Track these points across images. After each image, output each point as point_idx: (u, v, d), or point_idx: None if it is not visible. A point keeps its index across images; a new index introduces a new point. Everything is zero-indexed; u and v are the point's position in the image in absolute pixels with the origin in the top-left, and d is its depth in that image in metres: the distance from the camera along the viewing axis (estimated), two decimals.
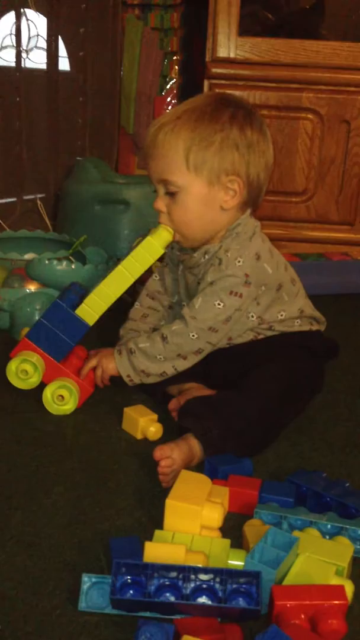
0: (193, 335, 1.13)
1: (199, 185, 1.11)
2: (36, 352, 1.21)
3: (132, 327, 1.29)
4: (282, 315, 1.19)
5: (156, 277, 1.32)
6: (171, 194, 1.13)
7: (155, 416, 1.14)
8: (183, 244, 1.19)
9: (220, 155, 1.10)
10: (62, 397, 1.19)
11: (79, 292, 1.25)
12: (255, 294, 1.14)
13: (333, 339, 1.35)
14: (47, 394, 1.19)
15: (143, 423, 1.13)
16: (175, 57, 2.62)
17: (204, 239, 1.16)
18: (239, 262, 1.12)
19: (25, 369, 1.20)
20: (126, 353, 1.17)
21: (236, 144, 1.10)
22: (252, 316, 1.17)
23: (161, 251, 1.17)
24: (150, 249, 1.16)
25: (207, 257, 1.16)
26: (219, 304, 1.12)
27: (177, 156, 1.10)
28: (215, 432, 1.04)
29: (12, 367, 1.21)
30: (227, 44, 2.14)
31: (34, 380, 1.21)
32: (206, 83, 2.19)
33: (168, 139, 1.10)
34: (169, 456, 0.99)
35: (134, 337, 1.20)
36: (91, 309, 1.19)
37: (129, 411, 1.16)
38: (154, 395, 1.23)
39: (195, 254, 1.18)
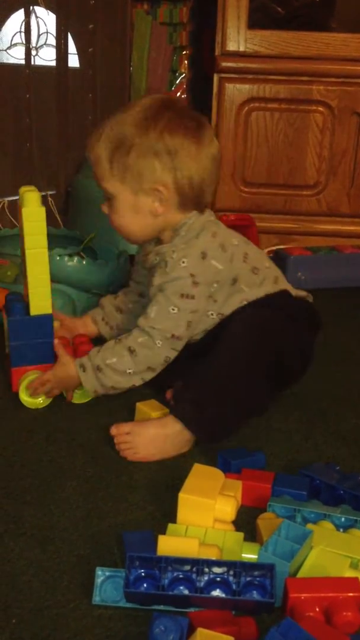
0: (159, 343, 1.10)
1: (125, 193, 1.12)
2: (32, 370, 1.20)
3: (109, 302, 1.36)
4: (244, 303, 1.15)
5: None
6: (108, 199, 1.15)
7: (167, 410, 1.14)
8: (129, 242, 1.22)
9: (139, 162, 1.09)
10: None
11: (18, 298, 1.23)
12: (208, 292, 1.12)
13: (305, 301, 1.25)
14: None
15: (155, 417, 1.13)
16: (184, 52, 2.61)
17: (146, 239, 1.18)
18: (183, 263, 1.09)
19: None
20: (92, 371, 1.13)
21: (154, 151, 1.08)
22: (212, 314, 1.15)
23: (42, 209, 1.12)
24: (33, 216, 1.12)
25: (158, 259, 1.15)
26: (173, 309, 1.10)
27: (103, 164, 1.12)
28: (188, 405, 1.05)
29: (23, 395, 1.19)
30: (236, 37, 2.13)
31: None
32: (216, 77, 2.19)
33: (97, 146, 1.12)
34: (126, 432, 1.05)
35: (95, 352, 1.15)
36: (40, 301, 1.17)
37: (141, 406, 1.16)
38: (161, 391, 1.23)
39: (149, 256, 1.17)
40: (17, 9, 2.19)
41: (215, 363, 1.08)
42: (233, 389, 1.07)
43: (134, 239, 1.19)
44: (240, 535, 0.84)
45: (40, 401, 1.20)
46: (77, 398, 1.22)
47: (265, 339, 1.11)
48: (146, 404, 1.16)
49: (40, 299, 1.17)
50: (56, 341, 1.19)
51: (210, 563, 0.75)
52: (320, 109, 2.18)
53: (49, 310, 1.18)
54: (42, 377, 1.17)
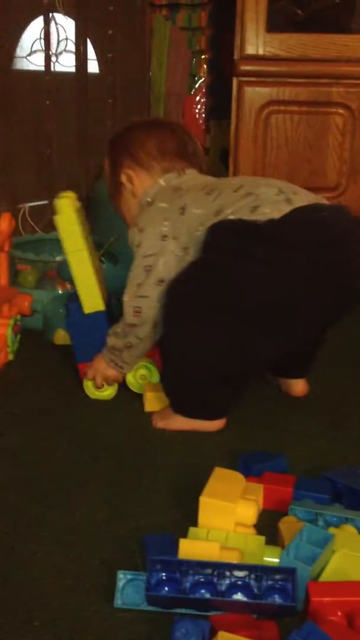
0: (126, 297, 1.14)
1: (117, 197, 1.29)
2: None
3: None
4: (200, 229, 1.08)
5: None
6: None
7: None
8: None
9: (108, 166, 1.29)
10: (144, 376, 1.28)
11: (74, 298, 1.27)
12: (159, 233, 1.12)
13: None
14: (129, 378, 1.27)
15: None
16: (203, 56, 2.61)
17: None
18: (136, 226, 1.16)
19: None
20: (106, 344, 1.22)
21: (109, 155, 1.28)
22: (180, 253, 1.11)
23: (74, 214, 1.18)
24: (68, 221, 1.18)
25: None
26: (136, 267, 1.14)
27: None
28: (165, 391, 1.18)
29: (90, 389, 1.26)
30: (255, 41, 2.13)
31: (113, 389, 1.27)
32: (235, 81, 2.18)
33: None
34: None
35: None
36: (90, 298, 1.22)
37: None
38: None
39: None
40: (36, 16, 2.21)
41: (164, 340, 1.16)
42: (181, 358, 1.10)
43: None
44: (262, 539, 0.84)
45: (107, 393, 1.26)
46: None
47: (180, 296, 1.09)
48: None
49: (90, 297, 1.22)
50: None
51: (231, 567, 0.75)
52: (341, 111, 2.17)
53: (101, 307, 1.23)
54: (86, 370, 1.25)
